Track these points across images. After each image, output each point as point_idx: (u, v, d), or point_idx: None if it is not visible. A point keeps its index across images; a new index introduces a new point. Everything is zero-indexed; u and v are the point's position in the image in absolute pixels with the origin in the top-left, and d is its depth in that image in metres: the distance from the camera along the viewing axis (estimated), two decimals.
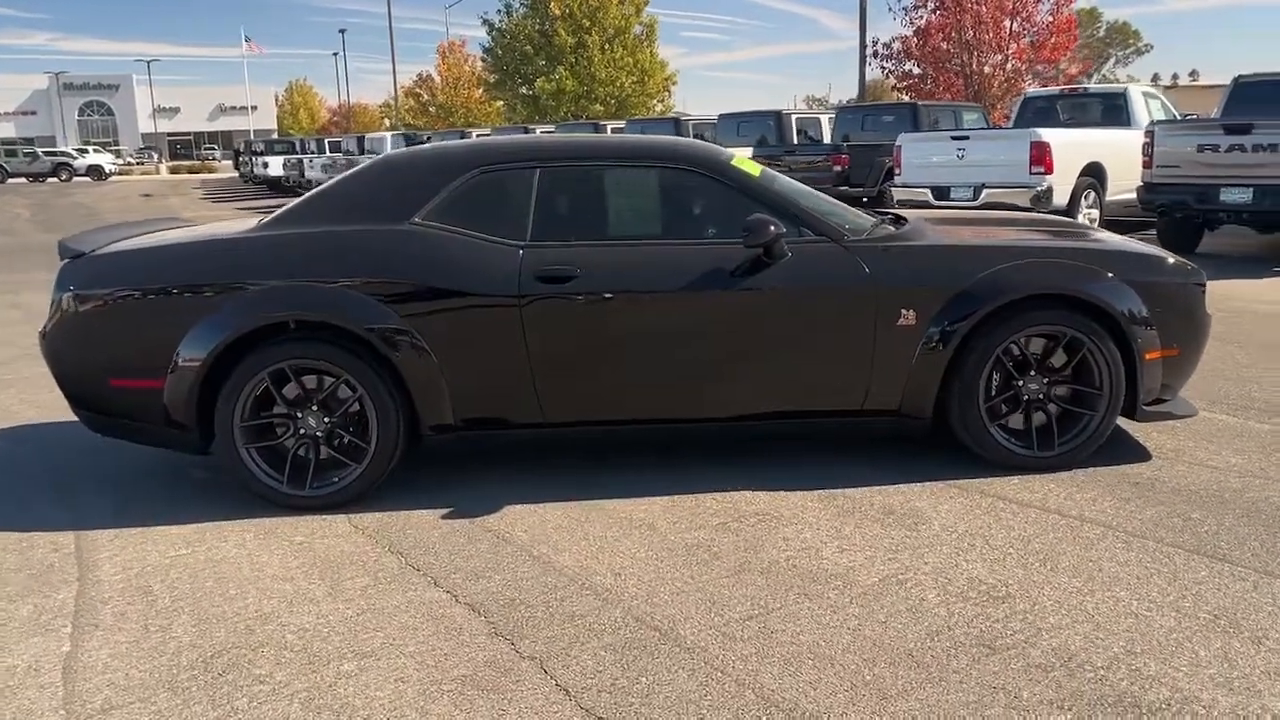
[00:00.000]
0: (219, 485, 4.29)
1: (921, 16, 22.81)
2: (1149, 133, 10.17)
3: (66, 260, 3.99)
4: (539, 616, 3.03)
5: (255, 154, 35.95)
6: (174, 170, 56.24)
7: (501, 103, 37.87)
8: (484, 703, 2.57)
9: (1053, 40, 21.89)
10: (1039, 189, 10.62)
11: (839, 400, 4.07)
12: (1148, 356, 4.05)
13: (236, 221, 4.54)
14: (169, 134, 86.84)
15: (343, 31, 70.00)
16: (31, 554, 3.62)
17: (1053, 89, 12.71)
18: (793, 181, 4.44)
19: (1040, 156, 10.55)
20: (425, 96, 47.87)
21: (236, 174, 42.12)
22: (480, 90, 43.50)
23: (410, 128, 41.49)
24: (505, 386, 3.97)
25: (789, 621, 2.94)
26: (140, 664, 2.82)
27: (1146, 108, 12.23)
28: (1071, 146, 10.93)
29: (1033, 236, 4.40)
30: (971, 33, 21.72)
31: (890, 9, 26.58)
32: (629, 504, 3.92)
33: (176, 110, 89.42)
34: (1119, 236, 4.70)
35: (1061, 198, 10.83)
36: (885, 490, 3.97)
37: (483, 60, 35.43)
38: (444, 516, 3.86)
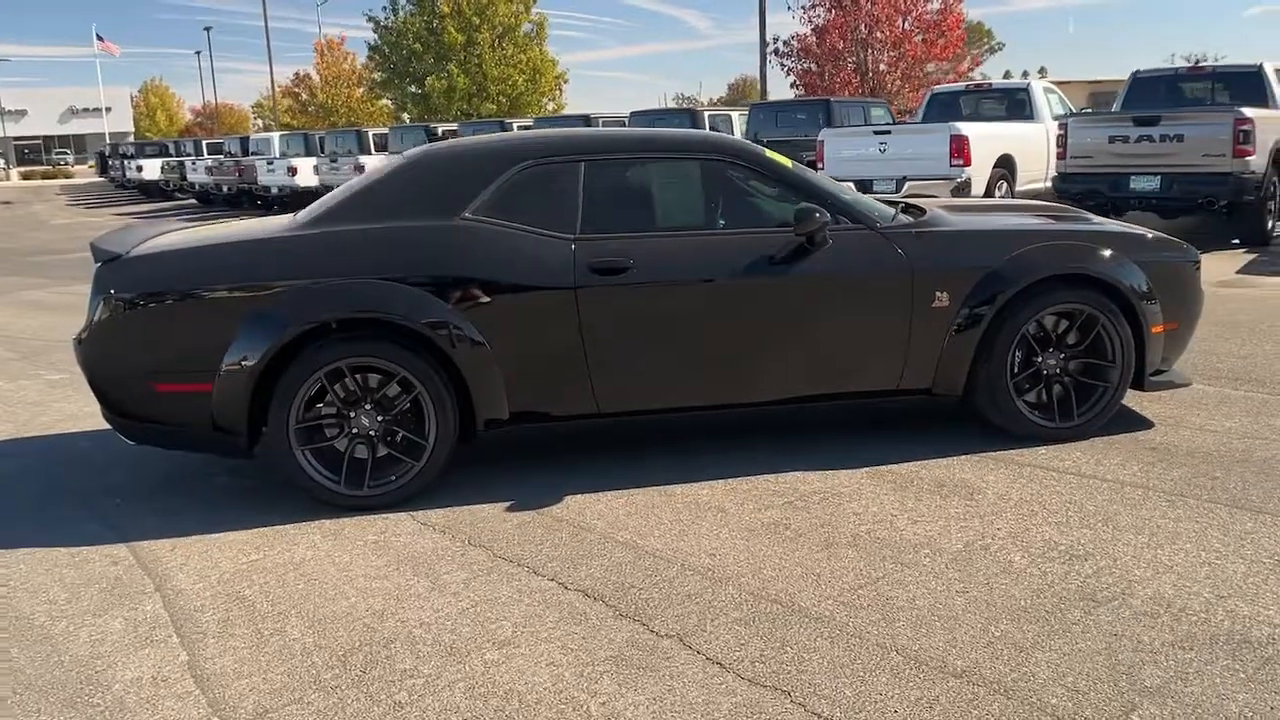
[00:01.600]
0: (246, 490, 4.21)
1: (819, 15, 23.55)
2: (1063, 125, 10.76)
3: (102, 263, 3.84)
4: (655, 598, 3.09)
5: (125, 157, 34.36)
6: (26, 176, 53.17)
7: (388, 100, 37.16)
8: (647, 680, 2.63)
9: (943, 39, 22.87)
10: (959, 180, 11.10)
11: (878, 380, 4.25)
12: (1154, 330, 4.35)
13: (270, 219, 4.43)
14: (15, 139, 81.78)
15: (208, 29, 67.69)
16: (89, 568, 3.49)
17: (958, 85, 13.32)
18: (816, 172, 4.59)
19: (960, 149, 11.03)
20: (304, 96, 46.50)
21: (103, 178, 40.15)
22: (362, 89, 42.62)
23: (288, 128, 40.30)
24: (560, 378, 4.00)
25: (899, 588, 3.09)
26: (273, 668, 2.77)
27: (1047, 102, 12.91)
28: (986, 140, 11.46)
29: (1043, 221, 4.67)
30: (865, 31, 22.49)
31: (789, 7, 27.89)
32: (688, 489, 4.00)
33: (23, 113, 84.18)
34: (1113, 220, 5.02)
35: (978, 188, 11.34)
36: (927, 464, 4.16)
37: (370, 58, 34.71)
38: (508, 509, 3.88)
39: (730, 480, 4.08)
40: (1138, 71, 11.67)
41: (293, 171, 21.57)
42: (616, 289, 3.96)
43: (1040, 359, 4.34)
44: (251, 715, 2.55)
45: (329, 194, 4.37)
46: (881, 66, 22.54)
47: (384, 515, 3.85)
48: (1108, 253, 4.31)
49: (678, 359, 4.06)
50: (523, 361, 3.95)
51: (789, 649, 2.76)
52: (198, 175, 25.88)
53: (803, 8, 23.89)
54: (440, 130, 20.61)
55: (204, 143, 30.75)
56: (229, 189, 24.06)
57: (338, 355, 3.79)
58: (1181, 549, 3.28)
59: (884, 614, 2.93)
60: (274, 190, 22.47)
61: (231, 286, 3.79)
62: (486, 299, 3.89)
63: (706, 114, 15.72)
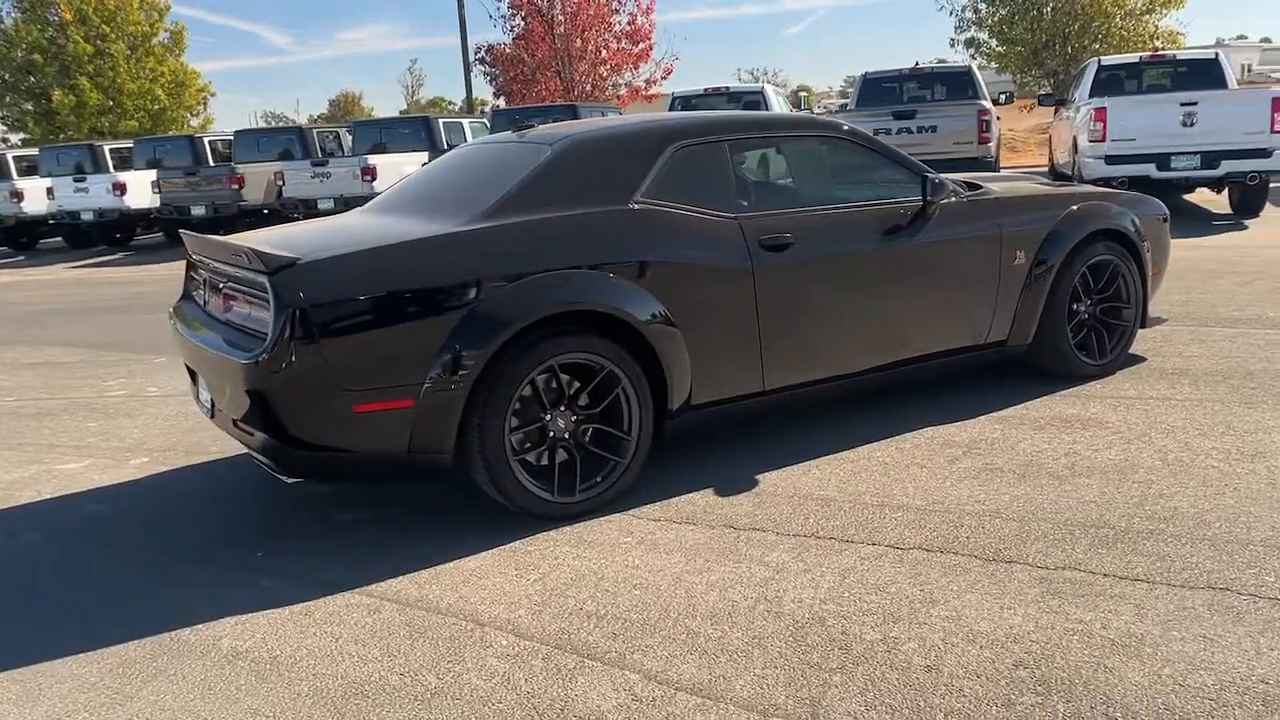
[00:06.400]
0: (382, 521, 3.81)
1: (519, 25, 23.70)
2: None
3: (281, 269, 3.26)
4: (991, 543, 3.23)
5: None
6: None
7: None
8: (1103, 604, 2.79)
9: (637, 48, 23.97)
10: None
11: (972, 336, 4.64)
12: (1151, 274, 5.11)
13: (408, 218, 3.93)
14: None
15: None
16: (353, 619, 3.02)
17: (698, 89, 14.21)
18: None
19: None
20: None
21: None
22: None
23: None
24: (736, 358, 3.99)
25: (1169, 500, 3.47)
26: (758, 666, 2.61)
27: (778, 103, 14.11)
28: None
29: (1053, 187, 5.31)
30: (564, 41, 22.98)
31: (490, 17, 28.35)
32: (857, 453, 4.14)
33: None
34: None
35: None
36: (1028, 407, 4.60)
37: None
38: (719, 493, 3.82)
39: (883, 442, 4.27)
40: (868, 73, 13.12)
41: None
42: (786, 265, 4.01)
43: (1077, 306, 4.95)
44: (841, 715, 2.41)
45: (463, 190, 4.02)
46: (580, 75, 23.23)
47: (610, 518, 3.64)
48: (1123, 209, 5.01)
49: (834, 330, 4.20)
50: (704, 345, 3.88)
51: (1160, 560, 3.03)
52: None
53: (504, 17, 24.07)
54: (107, 149, 18.32)
55: None
56: None
57: (552, 353, 3.53)
58: None
59: (1193, 520, 3.30)
60: None
61: (436, 287, 3.40)
62: (676, 283, 3.79)
63: (442, 121, 15.42)
